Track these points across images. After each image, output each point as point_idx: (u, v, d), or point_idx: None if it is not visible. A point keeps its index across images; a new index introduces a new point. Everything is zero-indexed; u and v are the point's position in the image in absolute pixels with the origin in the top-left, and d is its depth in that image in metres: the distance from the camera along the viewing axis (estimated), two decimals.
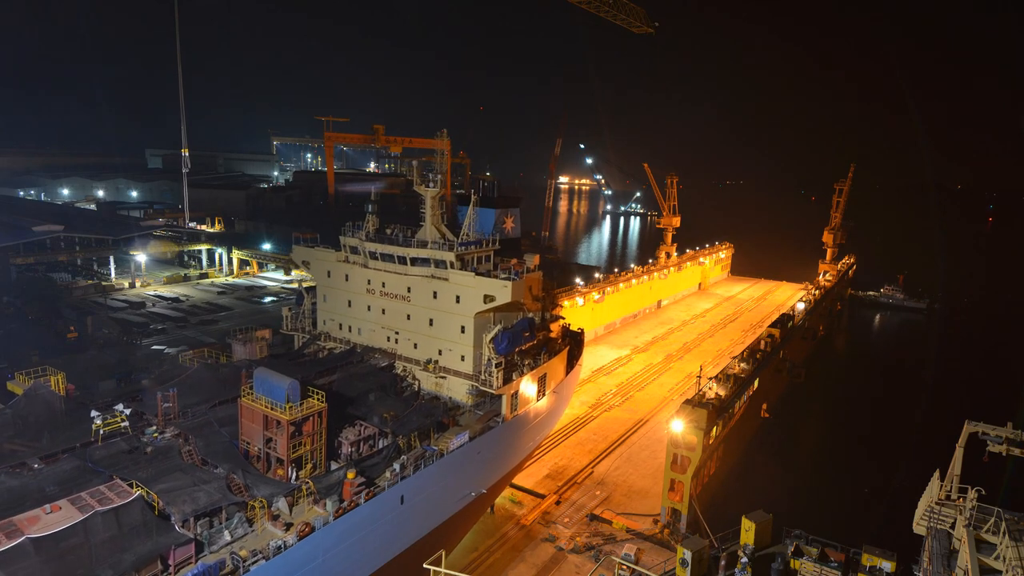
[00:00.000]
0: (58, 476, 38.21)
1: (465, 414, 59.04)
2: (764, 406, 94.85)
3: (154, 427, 45.89)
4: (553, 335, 70.11)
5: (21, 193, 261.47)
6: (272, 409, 42.22)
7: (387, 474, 45.68)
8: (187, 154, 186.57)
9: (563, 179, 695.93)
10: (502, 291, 57.84)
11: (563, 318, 75.78)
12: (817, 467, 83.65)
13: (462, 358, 60.85)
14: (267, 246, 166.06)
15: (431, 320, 62.22)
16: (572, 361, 73.18)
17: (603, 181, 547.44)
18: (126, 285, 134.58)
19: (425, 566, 28.30)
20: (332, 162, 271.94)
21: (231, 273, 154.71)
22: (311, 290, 72.88)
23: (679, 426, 65.52)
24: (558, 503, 68.77)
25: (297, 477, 42.90)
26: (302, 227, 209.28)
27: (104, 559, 31.90)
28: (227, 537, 36.55)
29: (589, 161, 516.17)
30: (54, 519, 32.06)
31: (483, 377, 57.66)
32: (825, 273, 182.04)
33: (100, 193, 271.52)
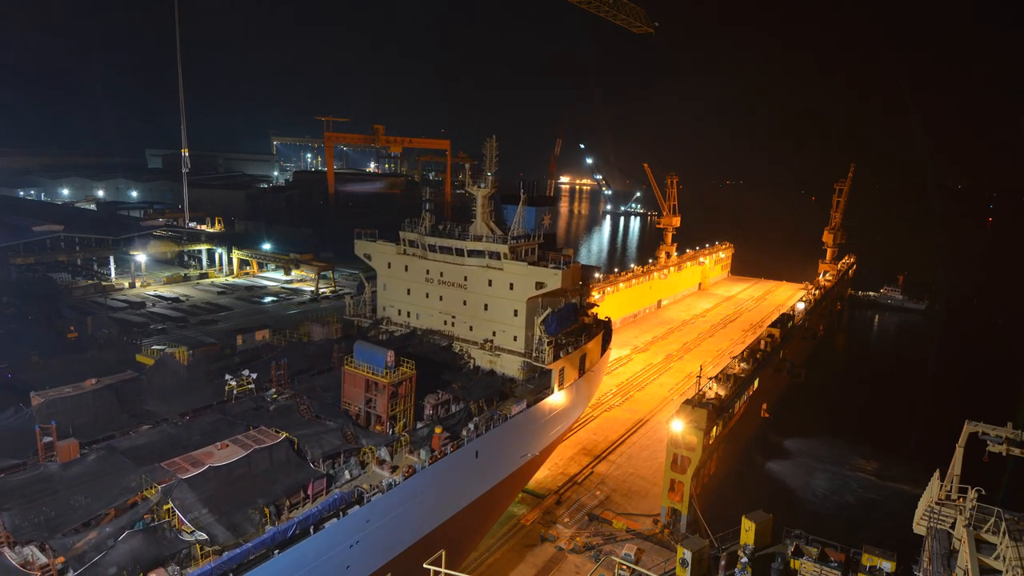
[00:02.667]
0: (204, 427, 46.07)
1: (519, 387, 64.70)
2: (764, 406, 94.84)
3: (273, 390, 53.83)
4: (587, 321, 76.12)
5: (21, 193, 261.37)
6: (373, 374, 49.40)
7: (464, 432, 52.61)
8: (187, 154, 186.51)
9: (564, 179, 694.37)
10: (553, 278, 63.94)
11: (596, 305, 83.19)
12: (817, 467, 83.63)
13: (515, 338, 67.05)
14: (267, 246, 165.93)
15: (486, 305, 68.47)
16: (604, 345, 79.30)
17: (603, 181, 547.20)
18: (126, 285, 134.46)
19: (425, 566, 28.33)
20: (332, 162, 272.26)
21: (231, 273, 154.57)
22: (371, 279, 79.26)
23: (679, 426, 65.54)
24: (558, 503, 68.79)
25: (393, 431, 50.07)
26: (302, 227, 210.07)
27: (261, 487, 39.51)
28: (347, 475, 44.46)
29: (589, 161, 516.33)
30: (224, 454, 39.96)
31: (535, 354, 65.13)
32: (825, 273, 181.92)
33: (100, 193, 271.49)
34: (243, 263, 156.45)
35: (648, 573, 32.74)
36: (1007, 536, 32.93)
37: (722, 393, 75.40)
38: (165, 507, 35.87)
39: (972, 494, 36.67)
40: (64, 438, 40.37)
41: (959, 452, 38.50)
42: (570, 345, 68.00)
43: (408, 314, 74.73)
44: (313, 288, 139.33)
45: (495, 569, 58.17)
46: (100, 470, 38.92)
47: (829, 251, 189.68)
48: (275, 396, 52.97)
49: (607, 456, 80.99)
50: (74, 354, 78.83)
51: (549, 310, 65.79)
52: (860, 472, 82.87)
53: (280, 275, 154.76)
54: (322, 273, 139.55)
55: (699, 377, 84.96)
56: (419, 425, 52.46)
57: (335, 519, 39.85)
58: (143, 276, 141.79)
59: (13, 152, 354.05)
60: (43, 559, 32.30)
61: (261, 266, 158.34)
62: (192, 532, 35.35)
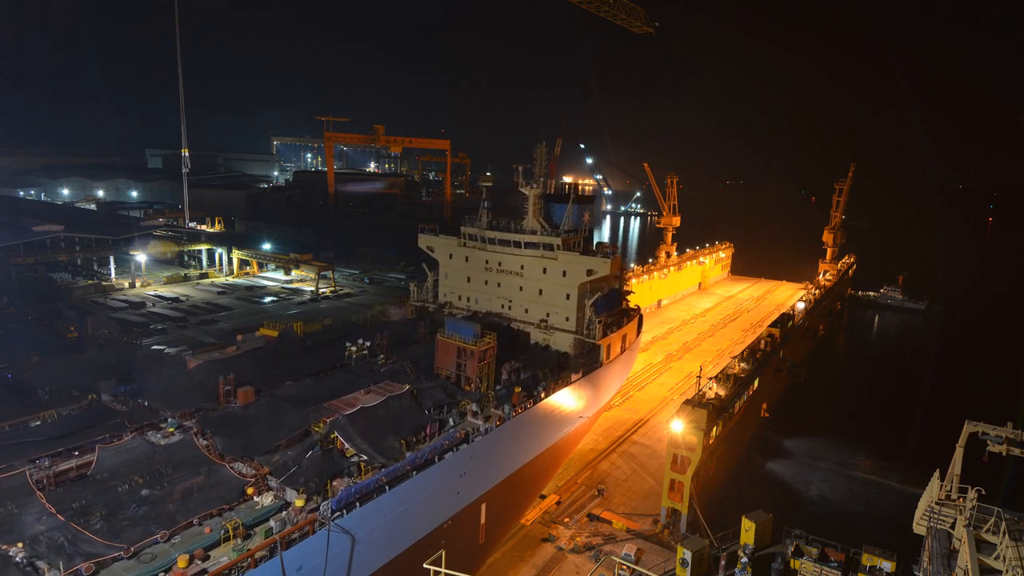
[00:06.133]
0: (334, 383, 56.07)
1: (572, 360, 71.75)
2: (764, 406, 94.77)
3: (381, 356, 63.81)
4: (625, 307, 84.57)
5: (21, 193, 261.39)
6: (464, 343, 58.47)
7: (535, 393, 60.83)
8: (187, 154, 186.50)
9: (566, 179, 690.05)
10: (603, 266, 72.76)
11: (632, 292, 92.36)
12: (817, 467, 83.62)
13: (567, 319, 75.65)
14: (267, 246, 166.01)
15: (540, 290, 77.03)
16: (638, 329, 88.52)
17: (603, 181, 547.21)
18: (126, 285, 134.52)
19: (425, 566, 28.33)
20: (332, 162, 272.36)
21: (231, 273, 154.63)
22: (433, 269, 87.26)
23: (679, 426, 65.50)
24: (558, 503, 68.77)
25: (480, 390, 58.46)
26: (302, 227, 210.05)
27: (393, 427, 49.23)
28: (451, 422, 52.99)
29: (589, 161, 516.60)
30: (368, 399, 50.92)
31: (586, 332, 74.29)
32: (825, 273, 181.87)
33: (100, 193, 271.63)
34: (243, 263, 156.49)
35: (648, 573, 32.70)
36: (1007, 536, 32.92)
37: (722, 393, 75.36)
38: (332, 436, 45.63)
39: (972, 494, 36.64)
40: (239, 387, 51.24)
41: (959, 452, 38.48)
42: (615, 324, 76.67)
43: (468, 299, 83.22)
44: (313, 288, 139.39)
45: (495, 569, 58.15)
46: (270, 411, 49.56)
47: (829, 251, 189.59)
48: (383, 361, 62.86)
49: (607, 456, 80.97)
50: (74, 354, 78.73)
51: (598, 294, 74.76)
52: (860, 472, 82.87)
53: (280, 275, 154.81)
54: (322, 273, 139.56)
55: (699, 377, 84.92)
56: (498, 387, 61.13)
57: (450, 452, 48.99)
58: (143, 276, 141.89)
59: (13, 152, 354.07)
60: (252, 470, 41.68)
61: (261, 266, 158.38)
62: (353, 455, 45.11)
